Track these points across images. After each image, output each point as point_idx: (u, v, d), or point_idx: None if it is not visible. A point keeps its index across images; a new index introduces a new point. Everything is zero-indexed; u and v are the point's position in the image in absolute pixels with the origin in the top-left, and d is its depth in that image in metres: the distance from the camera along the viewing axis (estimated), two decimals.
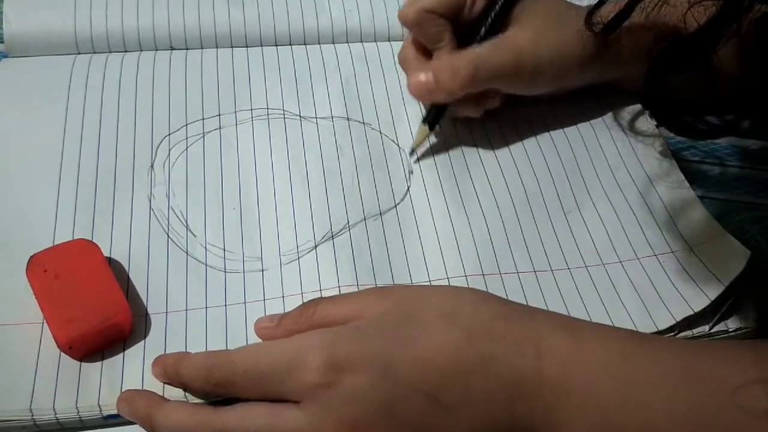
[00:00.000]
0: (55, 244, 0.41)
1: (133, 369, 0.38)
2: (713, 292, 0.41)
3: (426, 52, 0.48)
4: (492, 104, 0.49)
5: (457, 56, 0.46)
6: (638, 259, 0.44)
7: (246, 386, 0.34)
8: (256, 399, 0.34)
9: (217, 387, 0.35)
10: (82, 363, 0.37)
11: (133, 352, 0.38)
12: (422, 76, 0.46)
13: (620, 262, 0.44)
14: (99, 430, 0.37)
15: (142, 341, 0.39)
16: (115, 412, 0.36)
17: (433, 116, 0.48)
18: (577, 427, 0.33)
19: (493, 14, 0.46)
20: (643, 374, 0.33)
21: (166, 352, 0.38)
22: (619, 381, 0.33)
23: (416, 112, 0.51)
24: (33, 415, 0.36)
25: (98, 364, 0.38)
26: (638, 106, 0.52)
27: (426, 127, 0.48)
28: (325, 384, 0.33)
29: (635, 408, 0.33)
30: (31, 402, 0.36)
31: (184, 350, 0.39)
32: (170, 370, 0.37)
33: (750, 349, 0.36)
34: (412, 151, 0.48)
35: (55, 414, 0.36)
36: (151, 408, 0.35)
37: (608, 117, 0.51)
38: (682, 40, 0.40)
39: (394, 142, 0.49)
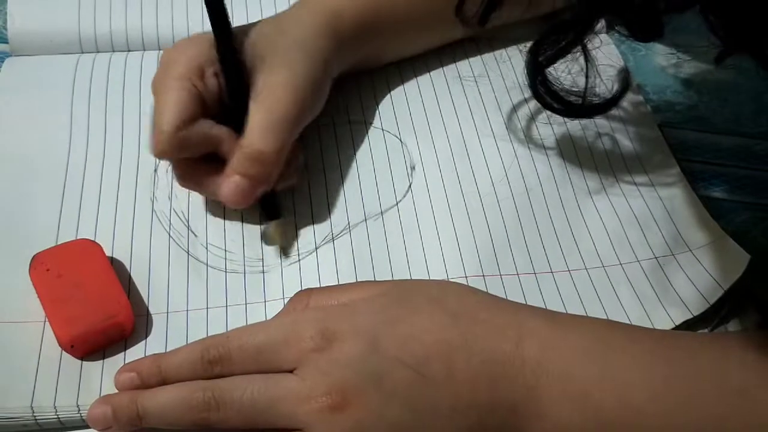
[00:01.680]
0: (59, 243, 0.41)
1: None
2: (713, 296, 0.42)
3: (201, 162, 0.42)
4: (300, 161, 0.45)
5: (243, 140, 0.41)
6: (638, 261, 0.44)
7: (242, 359, 0.35)
8: (251, 373, 0.35)
9: (212, 364, 0.35)
10: (84, 362, 0.38)
11: (134, 352, 0.39)
12: (230, 183, 0.41)
13: (620, 264, 0.44)
14: None
15: (143, 341, 0.39)
16: None
17: (272, 206, 0.44)
18: (557, 405, 0.34)
19: (232, 71, 0.41)
20: (619, 354, 0.35)
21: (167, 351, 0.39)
22: (595, 361, 0.35)
23: (419, 108, 0.51)
24: (34, 413, 0.36)
25: (99, 362, 0.38)
26: (643, 108, 0.52)
27: (279, 222, 0.44)
28: (318, 349, 0.34)
29: (613, 386, 0.34)
30: (32, 400, 0.36)
31: None
32: (148, 367, 0.36)
33: (731, 336, 0.38)
34: (284, 251, 0.44)
35: (56, 412, 0.36)
36: (134, 395, 0.35)
37: (611, 119, 0.51)
38: (557, 28, 0.39)
39: (396, 137, 0.49)
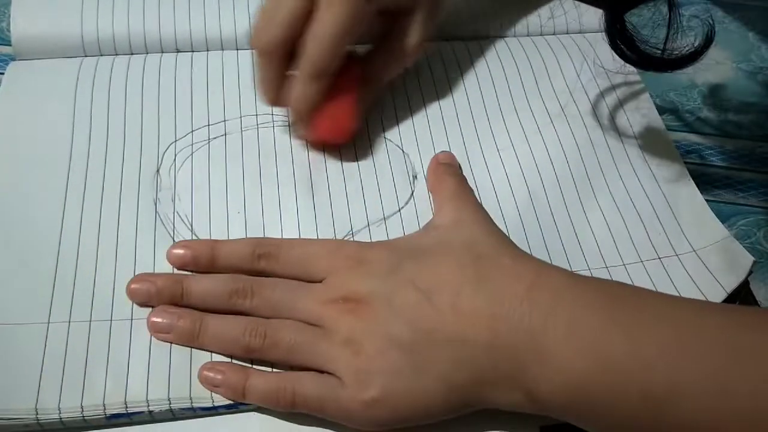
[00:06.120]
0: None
1: (139, 369, 0.38)
2: (715, 298, 0.41)
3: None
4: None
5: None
6: (642, 262, 0.44)
7: (285, 261, 0.40)
8: (291, 277, 0.40)
9: (260, 257, 0.40)
10: (88, 364, 0.38)
11: (138, 351, 0.39)
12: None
13: (624, 264, 0.44)
14: (102, 430, 0.37)
15: (148, 343, 0.39)
16: (117, 411, 0.37)
17: None
18: (562, 349, 0.34)
19: None
20: (630, 308, 0.35)
21: (172, 353, 0.39)
22: (606, 312, 0.35)
23: (422, 116, 0.51)
24: (37, 415, 0.36)
25: (103, 365, 0.38)
26: (649, 109, 0.52)
27: None
28: (349, 267, 0.39)
29: (621, 335, 0.34)
30: (37, 401, 0.36)
31: (189, 353, 0.39)
32: (202, 246, 0.41)
33: (736, 305, 0.39)
34: None
35: (60, 413, 0.36)
36: (180, 277, 0.40)
37: (618, 120, 0.51)
38: None
39: (398, 147, 0.49)
